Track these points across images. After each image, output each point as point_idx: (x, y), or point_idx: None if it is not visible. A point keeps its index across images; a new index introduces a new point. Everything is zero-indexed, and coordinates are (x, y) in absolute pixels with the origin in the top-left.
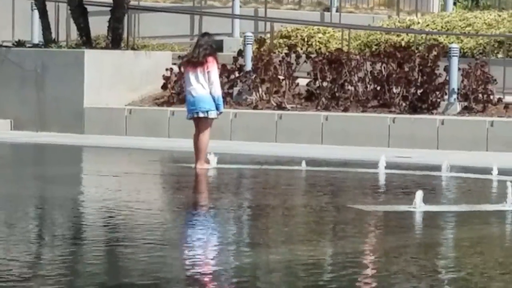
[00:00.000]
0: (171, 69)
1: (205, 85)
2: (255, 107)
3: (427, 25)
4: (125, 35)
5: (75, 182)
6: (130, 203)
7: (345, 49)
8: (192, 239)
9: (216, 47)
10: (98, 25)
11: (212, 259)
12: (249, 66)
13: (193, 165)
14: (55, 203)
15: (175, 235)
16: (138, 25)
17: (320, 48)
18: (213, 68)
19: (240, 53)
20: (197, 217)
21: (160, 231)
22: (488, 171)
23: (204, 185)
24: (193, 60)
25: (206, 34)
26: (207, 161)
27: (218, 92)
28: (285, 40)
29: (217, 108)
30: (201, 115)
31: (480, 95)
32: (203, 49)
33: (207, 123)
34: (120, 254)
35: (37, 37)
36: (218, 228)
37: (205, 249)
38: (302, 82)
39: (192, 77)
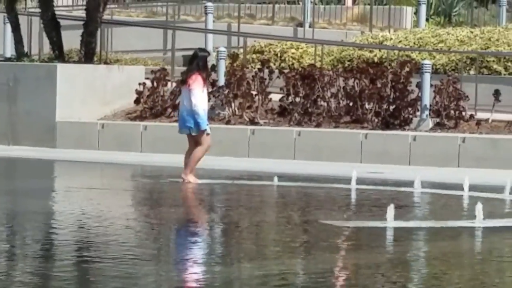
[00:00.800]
0: (144, 84)
1: (187, 102)
2: (228, 122)
3: (400, 41)
4: (98, 49)
5: (46, 196)
6: (100, 218)
7: (318, 64)
8: (160, 254)
9: (203, 64)
10: (71, 39)
11: (182, 274)
12: (222, 81)
13: (171, 179)
14: (25, 217)
15: (145, 250)
16: (111, 40)
17: (293, 64)
18: (195, 85)
19: (213, 68)
20: (167, 233)
21: (130, 246)
22: (459, 187)
23: (175, 201)
24: (182, 78)
25: (199, 50)
26: (196, 177)
27: (196, 110)
28: (258, 55)
29: (198, 126)
30: (184, 132)
31: (452, 112)
32: (189, 67)
33: (198, 139)
34: (90, 269)
35: (10, 51)
36: (189, 244)
37: (175, 264)
38: (275, 97)
39: (182, 94)
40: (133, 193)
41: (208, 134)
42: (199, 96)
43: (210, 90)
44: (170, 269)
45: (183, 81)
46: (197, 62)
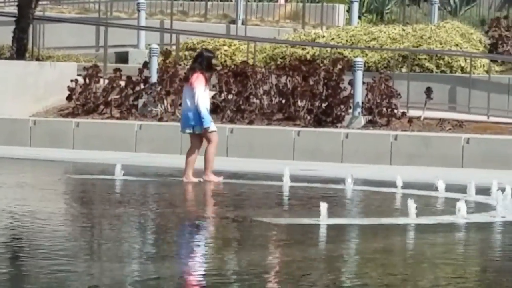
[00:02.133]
0: (76, 80)
1: (190, 100)
2: (160, 119)
3: (332, 39)
4: (30, 45)
5: None
6: (30, 214)
7: (250, 62)
8: (80, 250)
9: (208, 64)
10: (3, 36)
11: (110, 272)
12: (154, 78)
13: (103, 176)
14: None
15: (73, 247)
16: (43, 36)
17: (225, 61)
18: (197, 83)
19: (146, 65)
20: (93, 228)
21: (57, 242)
22: (391, 184)
23: (105, 198)
24: (184, 76)
25: (205, 50)
26: (215, 174)
27: (199, 108)
28: (190, 52)
29: (202, 124)
30: (187, 131)
31: (384, 109)
32: (192, 65)
33: (206, 137)
34: (20, 265)
35: None
36: (113, 240)
37: (99, 261)
38: None
39: (183, 93)
40: (63, 190)
41: (213, 131)
42: (201, 95)
43: (142, 87)
44: (92, 265)
45: (186, 78)
46: (200, 61)
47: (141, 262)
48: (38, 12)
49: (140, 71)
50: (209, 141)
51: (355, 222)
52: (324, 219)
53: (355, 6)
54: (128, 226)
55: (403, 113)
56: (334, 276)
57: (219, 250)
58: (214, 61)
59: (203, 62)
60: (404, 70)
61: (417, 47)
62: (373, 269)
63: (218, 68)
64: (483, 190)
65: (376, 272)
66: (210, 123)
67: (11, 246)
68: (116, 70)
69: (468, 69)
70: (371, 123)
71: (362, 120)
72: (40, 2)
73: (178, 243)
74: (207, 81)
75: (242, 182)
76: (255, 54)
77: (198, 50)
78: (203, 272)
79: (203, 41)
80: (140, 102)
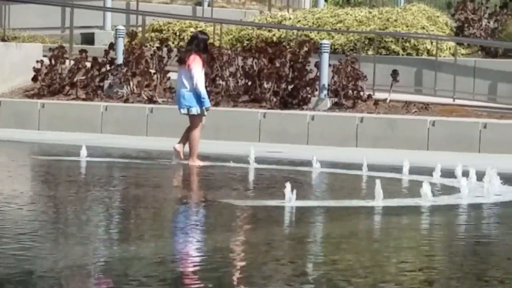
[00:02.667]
0: (42, 61)
1: (186, 82)
2: (126, 101)
3: (299, 21)
4: None
5: None
6: None
7: (216, 43)
8: (46, 232)
9: (204, 46)
10: None
11: (72, 254)
12: (120, 60)
13: (68, 158)
14: None
15: (36, 229)
16: (9, 16)
17: None
18: (194, 65)
19: (112, 46)
20: (59, 210)
21: (23, 224)
22: (357, 166)
23: (72, 178)
24: (180, 58)
25: (200, 33)
26: (200, 159)
27: (199, 88)
28: (157, 34)
29: (201, 104)
30: (182, 112)
31: (350, 92)
32: (188, 47)
33: (193, 120)
34: None
35: None
36: (81, 222)
37: (60, 243)
38: (174, 76)
39: (178, 74)
40: (27, 171)
41: (204, 115)
42: (200, 76)
43: (108, 68)
44: (53, 246)
45: (181, 60)
46: (197, 43)
47: (101, 243)
48: None
49: (106, 53)
50: (193, 125)
51: (320, 204)
52: (289, 201)
53: None
54: (88, 208)
55: (369, 96)
56: (295, 259)
57: (181, 233)
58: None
59: (200, 44)
60: (370, 52)
61: (384, 29)
62: (336, 252)
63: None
64: (449, 173)
65: (339, 255)
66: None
67: None
68: (82, 51)
69: (434, 52)
70: (337, 106)
71: (328, 103)
72: None
73: (139, 226)
74: (204, 62)
75: (207, 164)
76: (221, 36)
77: (192, 34)
78: (163, 256)
79: (169, 23)
80: (106, 83)
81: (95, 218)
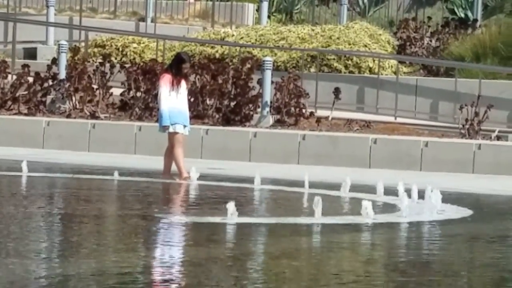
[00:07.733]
0: None
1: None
2: (68, 116)
3: (242, 38)
4: None
5: None
6: None
7: (159, 59)
8: None
9: (176, 65)
10: None
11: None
12: (63, 75)
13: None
14: None
15: None
16: None
17: (134, 58)
18: (161, 82)
19: (54, 61)
20: (4, 226)
21: None
22: (299, 184)
23: (12, 194)
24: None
25: (180, 52)
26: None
27: (159, 106)
28: (99, 49)
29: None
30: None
31: (293, 109)
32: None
33: (169, 137)
34: None
35: None
36: (24, 237)
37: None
38: (116, 91)
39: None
40: None
41: (176, 133)
42: (163, 94)
43: (50, 83)
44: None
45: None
46: (171, 62)
47: (24, 260)
48: None
49: (49, 68)
50: (171, 144)
51: (261, 221)
52: (230, 218)
53: (265, 5)
54: (22, 223)
55: (311, 113)
56: (233, 276)
57: (117, 249)
58: (185, 66)
59: (172, 63)
60: (312, 70)
61: (326, 47)
62: (274, 269)
63: (127, 66)
64: (390, 191)
65: (276, 271)
66: (168, 124)
67: None
68: (25, 66)
69: (376, 70)
70: (279, 123)
71: (270, 120)
72: None
73: (72, 242)
74: (174, 83)
75: (147, 180)
76: (164, 52)
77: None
78: (97, 271)
79: (112, 38)
80: (49, 98)
81: (30, 234)
